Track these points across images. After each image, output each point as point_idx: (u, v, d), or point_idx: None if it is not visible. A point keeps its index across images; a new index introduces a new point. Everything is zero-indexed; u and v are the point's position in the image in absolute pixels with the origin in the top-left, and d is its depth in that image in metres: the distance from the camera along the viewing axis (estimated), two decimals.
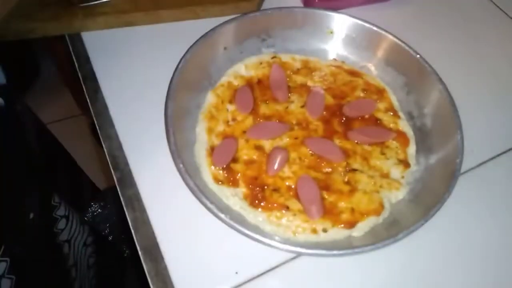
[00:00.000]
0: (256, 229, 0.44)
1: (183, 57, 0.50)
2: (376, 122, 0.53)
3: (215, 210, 0.41)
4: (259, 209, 0.45)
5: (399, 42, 0.55)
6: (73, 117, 1.46)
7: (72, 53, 0.59)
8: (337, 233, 0.45)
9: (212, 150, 0.48)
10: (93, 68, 0.56)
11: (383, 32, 0.55)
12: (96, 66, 0.56)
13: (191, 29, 0.57)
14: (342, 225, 0.45)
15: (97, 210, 0.87)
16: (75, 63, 0.58)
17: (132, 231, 0.45)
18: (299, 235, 0.44)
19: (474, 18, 0.68)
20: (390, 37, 0.55)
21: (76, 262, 0.64)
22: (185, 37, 0.54)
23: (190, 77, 0.50)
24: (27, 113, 0.71)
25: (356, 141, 0.51)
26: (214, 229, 0.45)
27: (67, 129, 1.39)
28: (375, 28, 0.56)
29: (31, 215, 0.54)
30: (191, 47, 0.50)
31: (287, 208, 0.45)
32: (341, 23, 0.57)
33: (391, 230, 0.44)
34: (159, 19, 0.59)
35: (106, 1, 0.58)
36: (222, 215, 0.41)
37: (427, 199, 0.46)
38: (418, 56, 0.54)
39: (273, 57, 0.56)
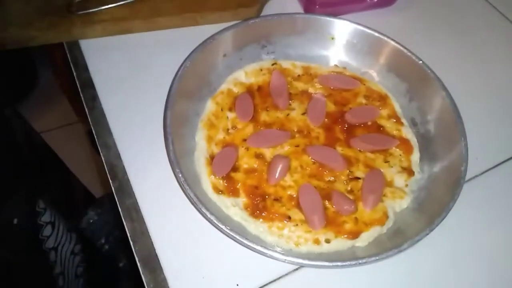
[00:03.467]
0: (257, 240, 0.43)
1: (182, 64, 0.49)
2: (379, 129, 0.52)
3: (215, 221, 0.40)
4: (260, 220, 0.44)
5: (401, 48, 0.54)
6: (70, 125, 1.45)
7: (70, 61, 0.58)
8: (340, 243, 0.44)
9: (211, 158, 0.47)
10: (90, 76, 0.56)
11: (385, 38, 0.55)
12: (94, 74, 0.56)
13: (190, 36, 0.56)
14: (345, 236, 0.44)
15: (93, 218, 0.86)
16: (73, 71, 0.57)
17: (131, 242, 0.44)
18: (301, 246, 0.43)
19: (477, 24, 0.67)
20: (392, 42, 0.54)
21: (63, 271, 0.64)
22: (184, 44, 0.53)
23: (189, 85, 0.49)
24: (16, 119, 0.71)
25: (358, 149, 0.50)
26: (214, 240, 0.44)
27: (64, 136, 1.38)
28: (376, 34, 0.55)
29: (15, 221, 0.53)
30: (190, 54, 0.50)
31: (289, 218, 0.44)
32: (342, 29, 0.56)
33: (395, 240, 0.43)
34: (158, 26, 0.59)
35: (104, 9, 0.57)
36: (223, 226, 0.40)
37: (432, 208, 0.45)
38: (420, 62, 0.53)
39: (273, 64, 0.56)
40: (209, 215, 0.40)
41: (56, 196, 0.76)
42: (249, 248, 0.40)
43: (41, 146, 0.80)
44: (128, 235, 0.45)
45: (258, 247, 0.40)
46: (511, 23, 0.68)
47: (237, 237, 0.40)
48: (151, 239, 0.44)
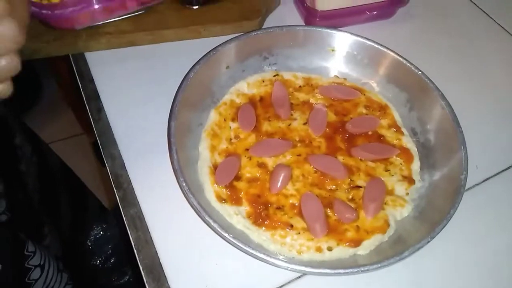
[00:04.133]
0: (260, 248, 0.44)
1: (185, 76, 0.50)
2: (380, 138, 0.53)
3: (219, 229, 0.41)
4: (263, 228, 0.45)
5: (400, 59, 0.55)
6: (74, 137, 1.46)
7: (75, 73, 0.59)
8: (342, 251, 0.44)
9: (214, 168, 0.48)
10: (96, 88, 0.57)
11: (384, 49, 0.56)
12: (99, 86, 0.57)
13: (194, 48, 0.58)
14: (347, 244, 0.44)
15: (99, 233, 0.86)
16: (79, 83, 0.58)
17: (135, 251, 0.45)
18: (303, 254, 0.44)
19: (475, 35, 0.68)
20: (391, 54, 0.55)
21: None
22: (188, 56, 0.55)
23: (193, 96, 0.50)
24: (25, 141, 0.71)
25: (359, 158, 0.51)
26: (218, 248, 0.44)
27: (69, 148, 1.39)
28: (376, 45, 0.56)
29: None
30: (193, 66, 0.51)
31: (291, 226, 0.45)
32: (342, 41, 0.57)
33: (397, 248, 0.44)
34: (162, 39, 0.60)
35: (109, 22, 0.59)
36: (226, 234, 0.40)
37: (433, 216, 0.46)
38: (419, 72, 0.54)
39: (275, 75, 0.57)
40: (212, 223, 0.41)
41: (70, 212, 0.76)
42: (252, 256, 0.41)
43: (54, 162, 0.80)
44: (133, 244, 0.45)
45: (261, 255, 0.40)
46: (509, 34, 0.69)
47: (240, 245, 0.40)
48: (155, 247, 0.45)
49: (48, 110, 1.49)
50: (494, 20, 0.70)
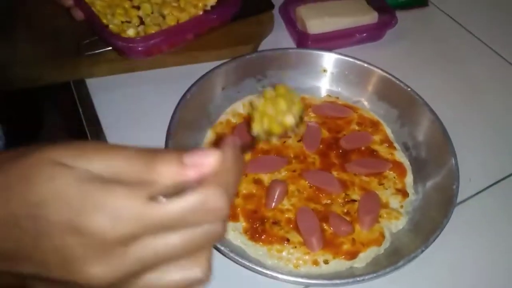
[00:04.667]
0: (257, 263, 0.44)
1: (182, 97, 0.52)
2: (373, 153, 0.54)
3: (217, 245, 0.41)
4: (260, 243, 0.45)
5: (389, 77, 0.57)
6: None
7: (76, 98, 0.61)
8: (339, 264, 0.45)
9: None
10: (96, 113, 0.58)
11: (374, 68, 0.58)
12: (100, 111, 0.58)
13: (192, 72, 0.59)
14: (343, 256, 0.45)
15: None
16: (79, 108, 0.60)
17: None
18: (300, 268, 0.44)
19: (461, 53, 0.71)
20: (381, 72, 0.57)
21: None
22: (186, 80, 0.57)
23: (190, 116, 0.52)
24: None
25: (353, 173, 0.52)
26: (216, 265, 0.44)
27: None
28: (365, 65, 0.58)
29: None
30: (190, 88, 0.53)
31: (288, 240, 0.46)
32: (333, 62, 0.59)
33: (393, 260, 0.44)
34: (160, 64, 0.62)
35: (110, 49, 0.61)
36: (222, 247, 0.41)
37: (427, 228, 0.46)
38: (409, 89, 0.56)
39: None
40: None
41: None
42: (249, 269, 0.41)
43: None
44: None
45: (258, 268, 0.41)
46: (497, 54, 0.71)
47: (238, 258, 0.41)
48: None
49: (50, 140, 1.51)
50: (481, 41, 0.73)
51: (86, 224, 0.21)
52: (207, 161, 0.23)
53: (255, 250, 0.45)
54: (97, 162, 0.23)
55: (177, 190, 0.22)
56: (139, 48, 0.57)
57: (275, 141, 0.53)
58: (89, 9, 0.58)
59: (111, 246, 0.21)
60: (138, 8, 0.62)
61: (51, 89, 0.66)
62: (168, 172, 0.23)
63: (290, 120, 0.35)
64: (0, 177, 0.23)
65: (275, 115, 0.35)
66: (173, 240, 0.22)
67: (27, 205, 0.21)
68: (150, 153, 0.24)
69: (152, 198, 0.21)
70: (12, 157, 0.23)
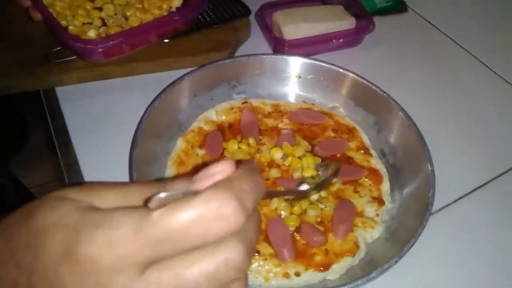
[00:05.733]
0: None
1: (150, 104, 0.50)
2: (348, 160, 0.53)
3: None
4: None
5: (365, 82, 0.56)
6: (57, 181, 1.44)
7: (45, 108, 0.59)
8: (311, 276, 0.43)
9: None
10: (65, 122, 0.56)
11: (349, 74, 0.57)
12: (68, 120, 0.56)
13: (165, 79, 0.58)
14: (316, 268, 0.43)
15: None
16: (48, 118, 0.58)
17: None
18: (271, 281, 0.42)
19: (441, 59, 0.70)
20: (356, 77, 0.56)
21: None
22: (158, 88, 0.55)
23: (158, 124, 0.50)
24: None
25: None
26: None
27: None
28: (341, 70, 0.57)
29: None
30: (158, 95, 0.51)
31: (258, 252, 0.44)
32: (308, 68, 0.58)
33: (368, 271, 0.42)
34: (132, 72, 0.61)
35: None
36: None
37: (404, 237, 0.44)
38: (384, 94, 0.54)
39: (244, 102, 0.57)
40: None
41: None
42: None
43: None
44: None
45: None
46: (473, 57, 0.70)
47: None
48: None
49: (34, 155, 1.48)
50: (461, 46, 0.72)
51: (82, 250, 0.19)
52: (218, 169, 0.21)
53: None
54: (103, 197, 0.22)
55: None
56: (99, 50, 0.54)
57: (248, 148, 0.52)
58: (46, 10, 0.55)
59: (110, 274, 0.19)
60: (100, 9, 0.60)
61: (29, 99, 0.64)
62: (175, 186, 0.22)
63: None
64: (7, 220, 0.22)
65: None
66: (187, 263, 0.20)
67: (27, 235, 0.21)
68: (161, 183, 0.23)
69: (155, 207, 0.19)
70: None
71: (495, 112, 0.63)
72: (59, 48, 0.60)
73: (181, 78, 0.53)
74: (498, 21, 0.78)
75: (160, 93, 0.51)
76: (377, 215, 0.48)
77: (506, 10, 0.80)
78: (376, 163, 0.53)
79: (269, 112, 0.57)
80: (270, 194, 0.41)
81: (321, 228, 0.46)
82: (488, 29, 0.75)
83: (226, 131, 0.54)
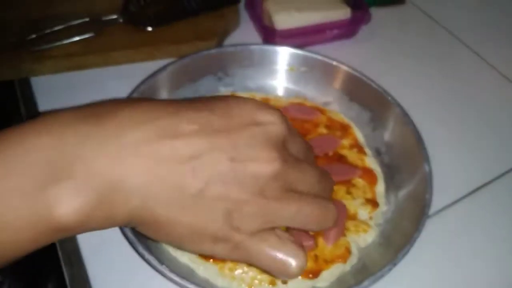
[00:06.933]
0: (206, 283, 0.39)
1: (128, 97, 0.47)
2: (341, 159, 0.49)
3: (154, 263, 0.36)
4: (210, 261, 0.40)
5: (361, 76, 0.52)
6: None
7: (20, 99, 0.56)
8: (299, 284, 0.40)
9: None
10: (39, 113, 0.53)
11: (344, 67, 0.53)
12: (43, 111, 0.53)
13: (147, 69, 0.54)
14: (304, 275, 0.40)
15: None
16: (21, 110, 0.55)
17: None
18: None
19: (439, 52, 0.67)
20: (351, 71, 0.53)
21: None
22: (138, 78, 0.51)
23: None
24: None
25: None
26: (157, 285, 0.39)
27: None
28: (335, 63, 0.54)
29: None
30: (137, 86, 0.47)
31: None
32: (301, 60, 0.55)
33: (361, 278, 0.39)
34: (113, 61, 0.57)
35: (56, 45, 0.56)
36: (161, 267, 0.36)
37: (399, 242, 0.41)
38: (381, 89, 0.51)
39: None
40: (147, 256, 0.36)
41: None
42: None
43: None
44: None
45: None
46: (472, 51, 0.67)
47: (182, 282, 0.36)
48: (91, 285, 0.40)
49: None
50: (460, 40, 0.69)
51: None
52: None
53: (205, 268, 0.40)
54: None
55: None
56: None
57: None
58: None
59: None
60: None
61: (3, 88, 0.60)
62: None
63: None
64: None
65: None
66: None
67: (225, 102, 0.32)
68: None
69: None
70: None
71: (497, 111, 0.60)
72: (34, 36, 0.56)
73: (162, 68, 0.50)
74: (499, 15, 0.75)
75: (139, 84, 0.48)
76: (371, 218, 0.45)
77: (507, 4, 0.77)
78: (370, 162, 0.49)
79: None
80: None
81: (311, 233, 0.43)
82: (489, 22, 0.72)
83: None
